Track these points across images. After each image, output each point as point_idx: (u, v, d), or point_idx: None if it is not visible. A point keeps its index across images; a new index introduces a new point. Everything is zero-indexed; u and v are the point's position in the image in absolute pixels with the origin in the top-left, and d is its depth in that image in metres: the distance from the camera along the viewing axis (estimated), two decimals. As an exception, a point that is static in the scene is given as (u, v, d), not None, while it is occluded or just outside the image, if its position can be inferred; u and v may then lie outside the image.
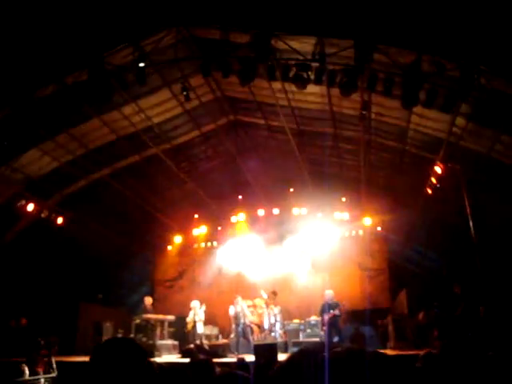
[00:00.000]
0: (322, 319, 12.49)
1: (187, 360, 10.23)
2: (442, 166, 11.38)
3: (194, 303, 13.36)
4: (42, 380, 8.78)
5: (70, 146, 12.88)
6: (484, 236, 10.66)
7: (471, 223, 10.10)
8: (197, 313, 13.08)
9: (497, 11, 7.92)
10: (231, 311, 13.26)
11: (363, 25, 8.80)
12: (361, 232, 16.85)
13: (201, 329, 13.01)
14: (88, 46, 9.51)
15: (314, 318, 13.74)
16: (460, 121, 10.38)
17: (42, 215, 13.67)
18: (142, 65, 9.92)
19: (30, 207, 13.14)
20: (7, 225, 13.40)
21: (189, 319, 13.09)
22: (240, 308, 13.01)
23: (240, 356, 9.90)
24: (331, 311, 12.25)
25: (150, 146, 14.15)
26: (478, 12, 8.02)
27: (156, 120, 13.35)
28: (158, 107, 12.88)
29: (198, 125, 14.46)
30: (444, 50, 8.64)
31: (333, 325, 12.21)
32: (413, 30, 8.73)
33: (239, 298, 13.26)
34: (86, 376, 1.88)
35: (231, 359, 10.61)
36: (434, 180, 11.90)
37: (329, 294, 12.74)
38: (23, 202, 12.98)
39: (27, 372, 8.49)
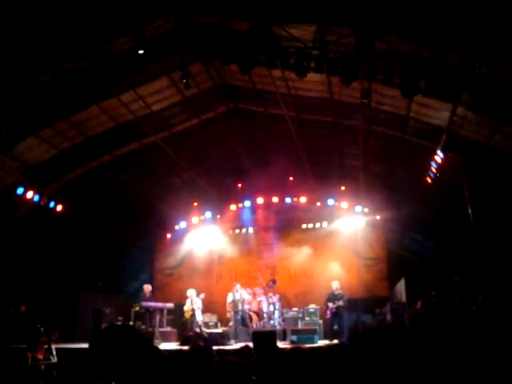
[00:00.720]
0: (327, 308, 12.84)
1: (186, 347, 10.32)
2: (442, 155, 11.37)
3: (191, 291, 13.47)
4: (42, 366, 8.84)
5: (68, 134, 12.82)
6: (483, 225, 10.69)
7: (470, 212, 10.12)
8: (194, 301, 13.17)
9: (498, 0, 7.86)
10: (229, 298, 13.34)
11: (364, 12, 8.71)
12: (359, 221, 16.89)
13: (200, 317, 13.12)
14: (87, 33, 9.42)
15: (312, 307, 13.82)
16: (460, 110, 10.34)
17: (41, 203, 13.64)
18: (141, 52, 9.84)
19: (29, 194, 13.12)
20: (6, 212, 13.39)
21: (186, 308, 13.20)
22: (239, 296, 13.09)
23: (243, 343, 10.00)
24: (336, 302, 12.67)
25: (149, 134, 14.10)
26: (480, 0, 7.96)
27: (155, 107, 13.28)
28: (157, 95, 12.81)
29: (197, 112, 14.40)
30: (445, 38, 8.57)
31: (336, 314, 12.64)
32: (414, 18, 8.66)
33: (238, 286, 13.33)
34: (86, 361, 1.89)
35: (230, 347, 10.69)
36: (433, 169, 11.89)
37: (335, 284, 13.16)
38: (22, 190, 12.96)
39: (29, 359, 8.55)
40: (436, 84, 9.17)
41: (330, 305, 12.87)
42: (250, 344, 10.34)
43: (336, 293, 13.00)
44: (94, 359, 1.92)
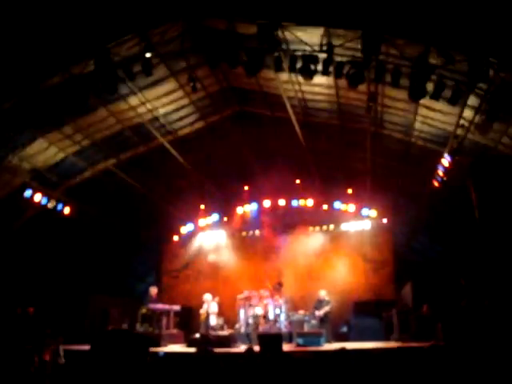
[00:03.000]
0: (314, 314, 13.22)
1: (192, 350, 10.34)
2: (449, 158, 11.33)
3: (207, 296, 13.67)
4: (49, 368, 8.89)
5: (76, 137, 12.92)
6: (490, 229, 10.65)
7: (477, 216, 10.08)
8: (210, 305, 13.39)
9: (507, 2, 7.83)
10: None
11: (371, 15, 8.72)
12: (366, 224, 16.85)
13: (213, 321, 13.29)
14: (94, 37, 9.50)
15: (327, 310, 13.78)
16: (468, 113, 10.31)
17: (49, 205, 13.73)
18: (148, 55, 9.91)
19: (37, 197, 13.21)
20: (15, 215, 13.49)
21: (202, 311, 13.41)
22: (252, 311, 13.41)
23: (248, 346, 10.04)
24: (322, 308, 13.07)
25: (156, 137, 14.17)
26: (488, 3, 7.95)
27: (162, 111, 13.35)
28: (164, 98, 12.87)
29: (204, 115, 14.46)
30: (452, 41, 8.56)
31: (323, 320, 13.01)
32: (421, 20, 8.65)
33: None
34: (87, 365, 1.93)
35: (237, 349, 10.70)
36: (440, 173, 11.85)
37: (322, 292, 13.50)
38: (30, 192, 13.05)
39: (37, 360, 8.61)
40: (443, 87, 9.17)
41: (317, 312, 13.16)
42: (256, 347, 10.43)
43: (322, 300, 13.29)
44: (93, 363, 1.96)
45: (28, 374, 7.96)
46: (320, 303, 13.29)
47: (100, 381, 1.83)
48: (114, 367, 1.89)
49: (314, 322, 13.19)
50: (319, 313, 13.09)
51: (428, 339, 9.94)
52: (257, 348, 10.65)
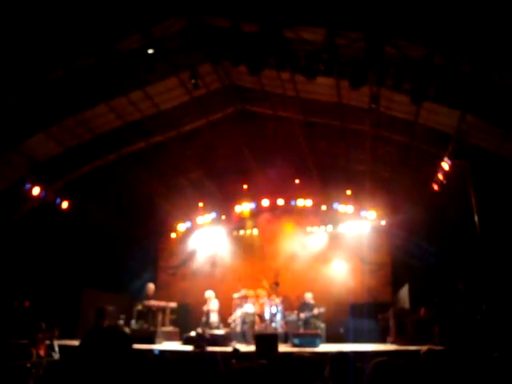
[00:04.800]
0: (299, 316, 13.47)
1: (188, 348, 10.32)
2: (449, 162, 11.32)
3: (209, 293, 13.69)
4: (44, 362, 8.85)
5: (76, 131, 12.86)
6: (489, 233, 10.63)
7: (476, 220, 10.06)
8: (211, 302, 13.47)
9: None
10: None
11: (374, 17, 8.69)
12: (365, 225, 16.84)
13: (214, 318, 13.32)
14: (97, 32, 9.45)
15: (315, 313, 13.79)
16: (469, 117, 10.29)
17: (47, 199, 13.68)
18: (150, 51, 9.86)
19: (36, 191, 13.16)
20: (13, 208, 13.44)
21: (204, 308, 13.45)
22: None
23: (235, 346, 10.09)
24: (307, 312, 13.38)
25: (156, 134, 14.13)
26: (492, 6, 7.91)
27: (163, 107, 13.31)
28: (166, 94, 12.83)
29: (205, 113, 14.41)
30: (456, 44, 8.53)
31: (307, 322, 13.29)
32: (425, 23, 8.62)
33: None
34: (76, 363, 1.90)
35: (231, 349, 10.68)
36: (440, 176, 11.84)
37: (308, 295, 13.83)
38: (29, 186, 13.00)
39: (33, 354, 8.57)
40: (446, 90, 9.14)
41: (302, 315, 13.35)
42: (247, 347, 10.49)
43: (307, 303, 13.40)
44: (81, 361, 1.93)
45: (25, 369, 7.91)
46: (305, 306, 13.44)
47: (89, 379, 1.80)
48: (100, 366, 1.85)
49: (299, 323, 13.33)
50: (302, 315, 13.23)
51: (425, 342, 9.94)
52: (247, 348, 10.69)
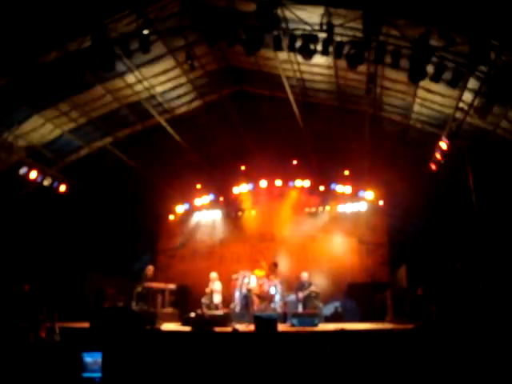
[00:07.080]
0: (297, 296, 13.47)
1: (187, 328, 10.42)
2: (447, 141, 11.29)
3: (213, 275, 13.77)
4: (45, 345, 8.91)
5: (72, 114, 12.81)
6: (486, 213, 10.65)
7: (474, 200, 10.07)
8: (214, 283, 13.56)
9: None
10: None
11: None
12: (362, 206, 16.89)
13: (217, 299, 13.42)
14: (91, 13, 9.33)
15: (313, 290, 13.89)
16: (467, 96, 10.25)
17: (45, 183, 13.66)
18: (145, 32, 9.75)
19: (33, 174, 13.13)
20: (10, 192, 13.43)
21: (208, 289, 13.50)
22: (247, 280, 13.46)
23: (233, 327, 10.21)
24: (304, 290, 13.36)
25: (152, 116, 14.06)
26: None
27: (159, 89, 13.22)
28: (162, 76, 12.72)
29: (201, 94, 14.32)
30: (454, 22, 8.45)
31: (305, 301, 13.29)
32: (422, 1, 8.53)
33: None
34: (87, 341, 1.92)
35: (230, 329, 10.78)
36: (438, 156, 11.82)
37: (305, 275, 13.77)
38: (26, 169, 12.97)
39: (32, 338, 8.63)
40: (443, 69, 9.08)
41: (300, 294, 13.39)
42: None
43: (304, 282, 13.54)
44: (93, 338, 1.96)
45: (24, 351, 7.98)
46: (302, 285, 13.51)
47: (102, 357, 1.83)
48: (114, 343, 1.89)
49: (298, 304, 13.44)
50: (301, 295, 13.30)
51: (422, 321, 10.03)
52: (245, 328, 10.80)
